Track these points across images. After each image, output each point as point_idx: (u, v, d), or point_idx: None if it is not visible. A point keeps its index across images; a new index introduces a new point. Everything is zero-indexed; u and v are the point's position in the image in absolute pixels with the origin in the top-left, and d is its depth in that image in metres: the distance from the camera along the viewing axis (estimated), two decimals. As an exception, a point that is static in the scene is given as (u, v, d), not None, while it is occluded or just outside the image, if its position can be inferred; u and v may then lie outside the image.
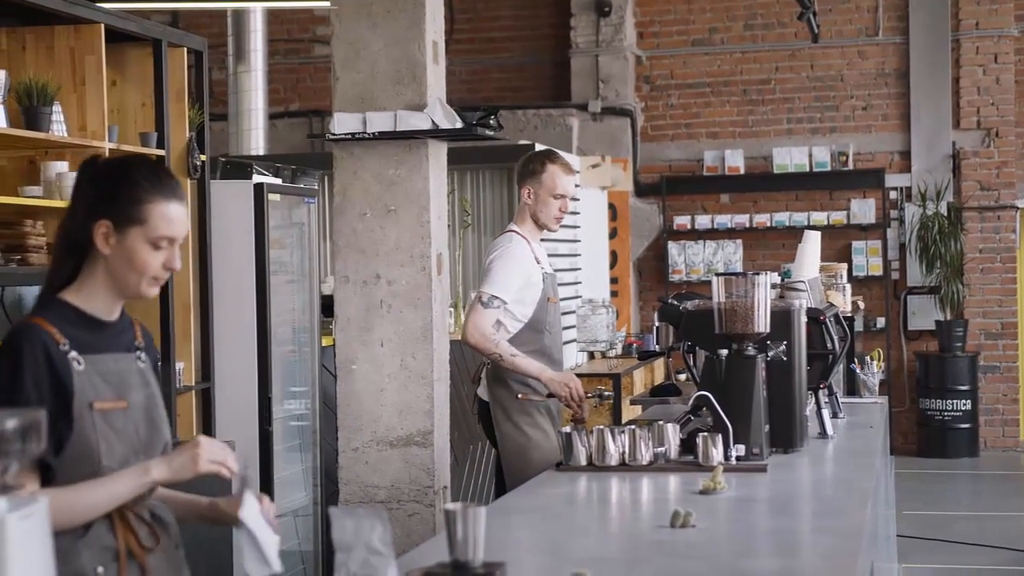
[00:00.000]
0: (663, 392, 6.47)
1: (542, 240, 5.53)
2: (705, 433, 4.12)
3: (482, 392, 5.40)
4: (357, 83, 5.07)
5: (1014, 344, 12.59)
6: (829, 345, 4.97)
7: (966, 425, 12.21)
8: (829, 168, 12.61)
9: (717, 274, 4.38)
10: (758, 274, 4.29)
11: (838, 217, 12.58)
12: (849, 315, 6.52)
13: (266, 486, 6.51)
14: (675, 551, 3.13)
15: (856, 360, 6.64)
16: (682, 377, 7.18)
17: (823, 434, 4.89)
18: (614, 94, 12.89)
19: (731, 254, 12.80)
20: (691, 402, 4.31)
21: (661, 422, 4.25)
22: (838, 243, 12.56)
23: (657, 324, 6.38)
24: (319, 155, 10.74)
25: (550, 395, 5.29)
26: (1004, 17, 12.60)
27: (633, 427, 4.19)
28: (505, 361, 5.18)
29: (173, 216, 2.74)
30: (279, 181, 7.79)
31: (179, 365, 6.26)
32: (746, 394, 4.23)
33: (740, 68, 13.01)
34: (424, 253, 5.06)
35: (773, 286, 4.70)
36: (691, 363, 4.66)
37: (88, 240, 2.73)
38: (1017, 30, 12.66)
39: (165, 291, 5.89)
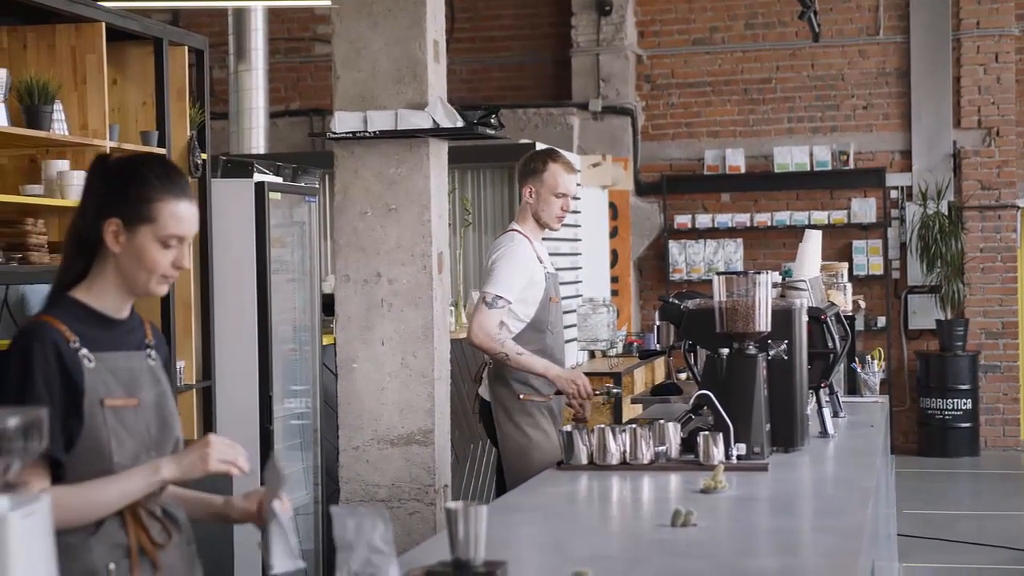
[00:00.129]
0: (664, 391, 6.47)
1: (543, 239, 5.53)
2: (706, 432, 4.12)
3: (483, 392, 5.40)
4: (358, 82, 5.07)
5: (1015, 343, 12.59)
6: (830, 344, 4.97)
7: (967, 424, 12.20)
8: (830, 167, 12.61)
9: (718, 273, 4.37)
10: (759, 273, 4.29)
11: (839, 216, 12.58)
12: (850, 314, 6.52)
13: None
14: (676, 550, 3.13)
15: (857, 359, 6.64)
16: (683, 376, 7.17)
17: (824, 433, 4.89)
18: (615, 93, 12.88)
19: (732, 253, 12.79)
20: (692, 401, 4.31)
21: (662, 421, 4.25)
22: (839, 242, 12.56)
23: (658, 323, 6.39)
24: (320, 154, 10.73)
25: (557, 392, 5.28)
26: (1005, 16, 12.60)
27: (634, 426, 4.19)
28: (511, 360, 5.18)
29: (183, 215, 2.75)
30: (280, 180, 7.78)
31: (180, 363, 6.27)
32: (747, 393, 4.23)
33: (741, 67, 13.00)
34: (425, 252, 5.05)
35: (774, 285, 4.69)
36: (692, 362, 4.66)
37: (98, 238, 2.74)
38: (1018, 29, 12.66)
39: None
